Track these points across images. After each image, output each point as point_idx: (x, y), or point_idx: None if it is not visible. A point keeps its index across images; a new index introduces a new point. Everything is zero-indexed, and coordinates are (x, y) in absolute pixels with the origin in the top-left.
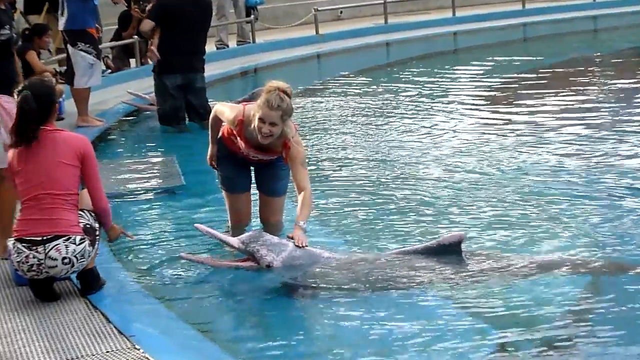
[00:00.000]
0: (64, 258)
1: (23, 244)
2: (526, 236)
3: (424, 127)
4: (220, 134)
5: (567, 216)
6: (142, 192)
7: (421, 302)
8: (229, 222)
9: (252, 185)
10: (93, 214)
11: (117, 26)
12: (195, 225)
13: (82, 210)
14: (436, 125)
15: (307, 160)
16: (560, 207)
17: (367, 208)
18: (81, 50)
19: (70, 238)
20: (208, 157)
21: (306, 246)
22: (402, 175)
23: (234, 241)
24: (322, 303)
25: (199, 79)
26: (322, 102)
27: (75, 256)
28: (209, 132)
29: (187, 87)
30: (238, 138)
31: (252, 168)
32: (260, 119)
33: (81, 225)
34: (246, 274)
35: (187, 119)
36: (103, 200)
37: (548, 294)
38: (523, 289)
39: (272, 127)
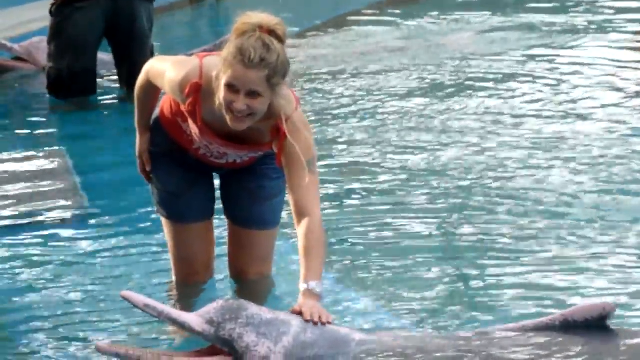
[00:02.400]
0: None
1: None
2: None
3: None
4: (156, 114)
5: None
6: (11, 225)
7: None
8: (173, 275)
9: (216, 208)
10: None
11: None
12: (123, 293)
13: None
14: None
15: (316, 160)
16: None
17: (421, 240)
18: None
19: None
20: (137, 155)
21: (328, 323)
22: (472, 186)
23: (195, 321)
24: None
25: (141, 11)
26: (336, 51)
27: None
28: (135, 111)
29: (116, 27)
30: (189, 121)
31: (214, 174)
32: (230, 86)
33: None
34: None
35: (97, 88)
36: None
37: None
38: None
39: (252, 100)
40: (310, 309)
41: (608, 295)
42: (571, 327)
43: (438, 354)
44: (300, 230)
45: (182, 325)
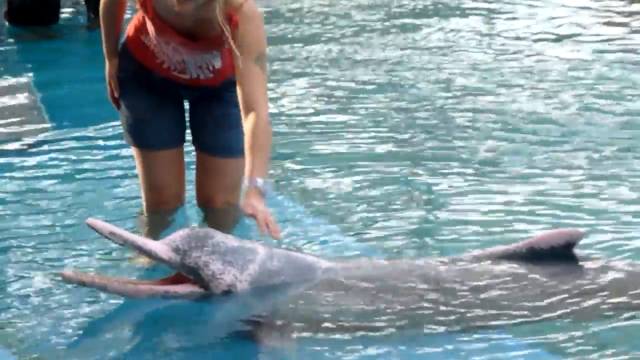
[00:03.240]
0: None
1: None
2: None
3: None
4: (123, 39)
5: None
6: None
7: (497, 348)
8: (144, 204)
9: (187, 135)
10: None
11: None
12: (88, 221)
13: None
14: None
15: (267, 56)
16: None
17: (389, 182)
18: None
19: None
20: (107, 80)
21: (275, 235)
22: (445, 122)
23: (160, 248)
24: (323, 356)
25: None
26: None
27: None
28: (102, 35)
29: None
30: (149, 28)
31: (184, 101)
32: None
33: None
34: (183, 309)
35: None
36: None
37: None
38: None
39: None
40: (263, 214)
41: (576, 222)
42: (537, 254)
43: (402, 282)
44: (247, 125)
45: (147, 253)
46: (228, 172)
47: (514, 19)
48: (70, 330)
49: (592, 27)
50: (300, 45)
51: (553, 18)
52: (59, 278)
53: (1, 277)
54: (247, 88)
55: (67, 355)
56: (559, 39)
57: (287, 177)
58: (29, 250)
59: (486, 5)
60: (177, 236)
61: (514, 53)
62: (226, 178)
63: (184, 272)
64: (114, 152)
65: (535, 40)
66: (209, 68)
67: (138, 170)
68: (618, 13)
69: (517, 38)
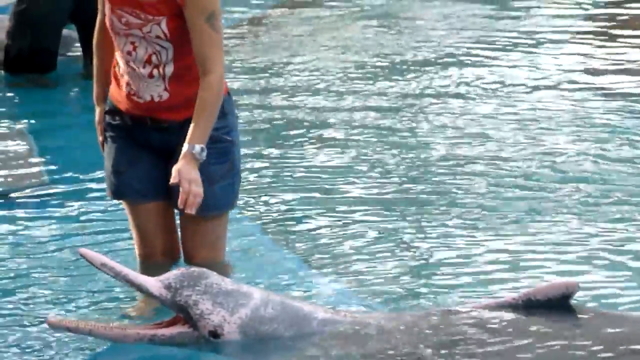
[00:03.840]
0: None
1: None
2: None
3: (477, 89)
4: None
5: None
6: None
7: None
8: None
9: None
10: None
11: None
12: (82, 250)
13: None
14: (499, 94)
15: (219, 16)
16: None
17: (387, 230)
18: None
19: None
20: (96, 126)
21: (188, 209)
22: (443, 168)
23: (153, 284)
24: None
25: None
26: (298, 31)
27: None
28: (94, 80)
29: (83, 9)
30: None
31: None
32: None
33: None
34: (169, 353)
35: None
36: None
37: None
38: None
39: None
40: (188, 180)
41: (572, 274)
42: (534, 305)
43: (399, 335)
44: (200, 87)
45: (138, 287)
46: (206, 230)
47: (514, 67)
48: None
49: (594, 76)
50: (294, 86)
51: (552, 65)
52: (46, 325)
53: None
54: (198, 48)
55: None
56: (556, 85)
57: (277, 219)
58: (17, 296)
59: (487, 54)
60: (171, 274)
61: (514, 100)
62: (205, 235)
63: (174, 309)
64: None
65: (534, 87)
66: (163, 78)
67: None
68: (619, 61)
69: (516, 85)
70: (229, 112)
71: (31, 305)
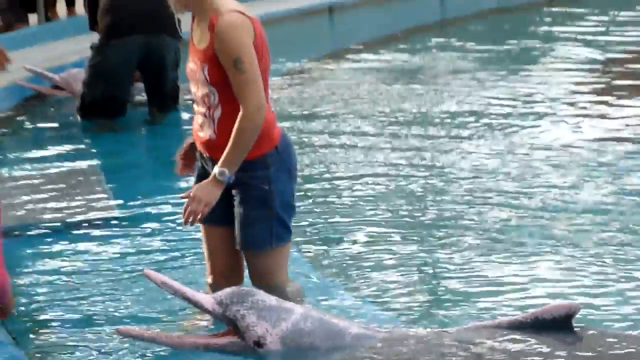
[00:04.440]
0: None
1: None
2: None
3: (485, 133)
4: None
5: None
6: (49, 227)
7: None
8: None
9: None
10: None
11: None
12: (145, 271)
13: None
14: (506, 134)
15: (246, 60)
16: None
17: (410, 255)
18: None
19: None
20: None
21: (194, 218)
22: (457, 199)
23: (207, 301)
24: None
25: (170, 48)
26: (333, 86)
27: None
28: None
29: (148, 62)
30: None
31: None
32: None
33: None
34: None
35: (126, 112)
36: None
37: None
38: None
39: None
40: (197, 198)
41: (574, 295)
42: (541, 324)
43: (423, 351)
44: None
45: (194, 303)
46: (254, 264)
47: (526, 114)
48: None
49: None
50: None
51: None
52: (117, 334)
53: (70, 338)
54: (234, 89)
55: None
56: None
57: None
58: (98, 308)
59: (499, 109)
60: (224, 292)
61: (523, 141)
62: (254, 267)
63: (225, 322)
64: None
65: (545, 131)
66: (212, 118)
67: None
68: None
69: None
70: (271, 165)
71: (104, 317)
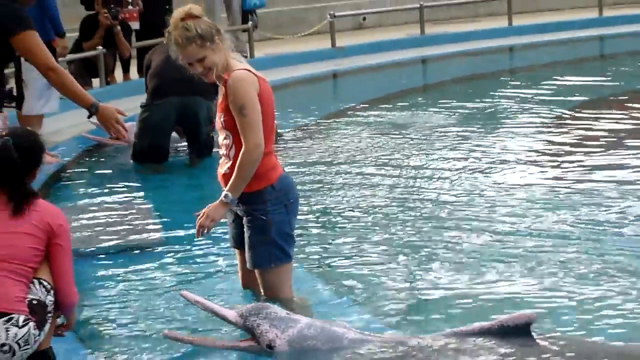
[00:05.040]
0: (2, 345)
1: None
2: (611, 313)
3: (465, 175)
4: None
5: None
6: (108, 249)
7: None
8: None
9: None
10: (48, 284)
11: (77, 34)
12: (182, 292)
13: (36, 278)
14: (483, 175)
15: (249, 106)
16: None
17: (398, 269)
18: None
19: (12, 318)
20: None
21: (203, 231)
22: (442, 226)
23: (231, 314)
24: None
25: (202, 107)
26: (338, 138)
27: (17, 342)
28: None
29: (185, 118)
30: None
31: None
32: (188, 64)
33: (28, 300)
34: (246, 358)
35: (168, 157)
36: (71, 295)
37: None
38: None
39: (202, 63)
40: (206, 215)
41: (533, 306)
42: (504, 331)
43: (405, 353)
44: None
45: (221, 317)
46: (261, 279)
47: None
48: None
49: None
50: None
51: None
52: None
53: (127, 347)
54: (239, 132)
55: None
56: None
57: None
58: (148, 319)
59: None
60: (245, 307)
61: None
62: (262, 282)
63: (245, 330)
64: (206, 250)
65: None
66: (229, 156)
67: None
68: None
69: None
70: (268, 200)
71: (152, 324)
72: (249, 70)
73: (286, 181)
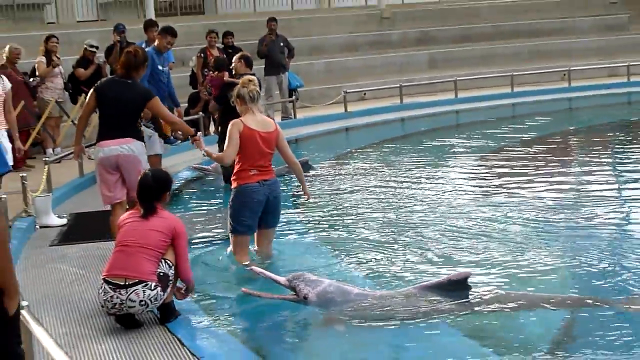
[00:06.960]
0: (141, 301)
1: (109, 286)
2: (524, 274)
3: (431, 188)
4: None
5: (558, 256)
6: (207, 239)
7: (434, 330)
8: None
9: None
10: (171, 263)
11: (187, 104)
12: (251, 267)
13: (164, 259)
14: (441, 186)
15: (229, 136)
16: (555, 247)
17: (386, 252)
18: (143, 125)
19: (147, 284)
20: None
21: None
22: (415, 228)
23: (282, 280)
24: (351, 332)
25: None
26: (350, 168)
27: (150, 299)
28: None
29: None
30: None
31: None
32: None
33: (157, 273)
34: (291, 305)
35: None
36: (187, 273)
37: (539, 326)
38: (519, 320)
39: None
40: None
41: (474, 268)
42: (452, 284)
43: (389, 301)
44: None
45: (276, 282)
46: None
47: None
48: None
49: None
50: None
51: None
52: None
53: (220, 299)
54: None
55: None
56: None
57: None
58: (232, 282)
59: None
60: (291, 274)
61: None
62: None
63: (291, 289)
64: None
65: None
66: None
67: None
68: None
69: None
70: (232, 195)
71: (231, 286)
72: (243, 122)
73: (247, 189)
